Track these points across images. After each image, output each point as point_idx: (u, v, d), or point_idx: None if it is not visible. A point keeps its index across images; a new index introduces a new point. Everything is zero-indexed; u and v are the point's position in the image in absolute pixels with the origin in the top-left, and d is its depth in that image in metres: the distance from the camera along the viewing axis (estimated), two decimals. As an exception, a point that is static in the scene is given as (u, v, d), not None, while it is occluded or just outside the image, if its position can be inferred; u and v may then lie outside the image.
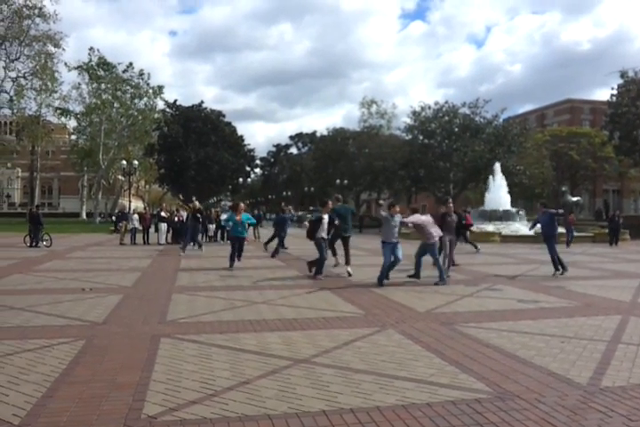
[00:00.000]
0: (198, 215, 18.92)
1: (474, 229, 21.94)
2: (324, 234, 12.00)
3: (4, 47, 44.22)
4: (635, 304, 8.62)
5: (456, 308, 8.22)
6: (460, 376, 4.76)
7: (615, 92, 42.88)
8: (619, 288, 10.32)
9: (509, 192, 33.54)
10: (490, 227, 28.21)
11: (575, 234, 27.81)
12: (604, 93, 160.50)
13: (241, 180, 69.20)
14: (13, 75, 44.97)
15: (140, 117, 51.60)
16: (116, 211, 32.79)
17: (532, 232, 16.07)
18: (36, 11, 43.17)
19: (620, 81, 42.33)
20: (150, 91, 52.02)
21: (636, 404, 4.09)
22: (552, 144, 54.74)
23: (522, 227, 27.90)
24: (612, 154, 49.42)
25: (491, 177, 34.40)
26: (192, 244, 19.16)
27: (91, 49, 50.14)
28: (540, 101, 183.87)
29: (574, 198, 42.60)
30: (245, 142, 68.28)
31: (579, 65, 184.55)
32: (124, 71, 51.44)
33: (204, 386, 4.45)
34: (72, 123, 54.31)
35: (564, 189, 45.27)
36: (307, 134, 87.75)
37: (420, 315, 7.59)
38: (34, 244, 20.70)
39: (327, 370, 4.92)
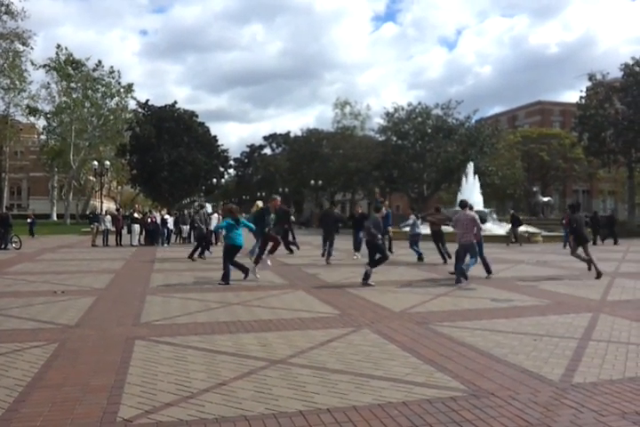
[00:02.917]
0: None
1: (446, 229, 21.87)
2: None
3: (-30, 45, 43.31)
4: (604, 302, 8.80)
5: (431, 307, 8.29)
6: (436, 375, 4.81)
7: (584, 94, 43.66)
8: (589, 286, 10.53)
9: (482, 193, 33.96)
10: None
11: (545, 233, 28.30)
12: (571, 95, 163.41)
13: (215, 180, 68.61)
14: (-20, 73, 44.09)
15: (111, 117, 51.04)
16: (88, 212, 32.19)
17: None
18: (3, 8, 42.35)
19: (589, 83, 43.14)
20: (121, 89, 51.45)
21: (607, 399, 4.17)
22: (523, 145, 55.57)
23: (494, 227, 28.26)
24: (582, 155, 50.33)
25: (464, 178, 34.79)
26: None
27: (58, 47, 49.41)
28: (508, 103, 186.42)
29: (545, 199, 43.30)
30: (219, 143, 67.84)
31: (547, 67, 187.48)
32: (94, 70, 50.78)
33: (180, 388, 4.42)
34: (41, 122, 53.48)
35: (535, 189, 45.93)
36: (280, 135, 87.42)
37: (395, 315, 7.64)
38: (2, 246, 20.31)
39: (303, 370, 4.92)
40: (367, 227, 10.97)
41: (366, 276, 10.67)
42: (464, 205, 11.55)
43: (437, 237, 15.33)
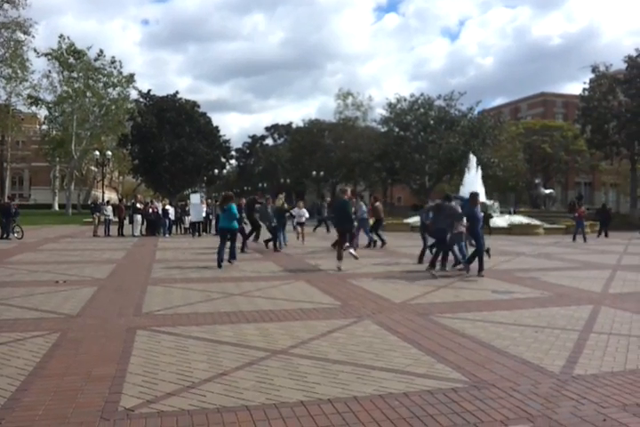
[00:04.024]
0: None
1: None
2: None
3: (-30, 34, 43.05)
4: (605, 294, 8.81)
5: (432, 299, 8.30)
6: (437, 366, 4.81)
7: (587, 86, 43.44)
8: (590, 279, 10.53)
9: (484, 184, 33.84)
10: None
11: (546, 226, 28.23)
12: (574, 87, 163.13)
13: (216, 171, 68.56)
14: (-19, 62, 43.85)
15: (113, 107, 50.77)
16: (90, 202, 32.07)
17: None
18: (5, -4, 42.07)
19: (592, 75, 42.90)
20: (123, 79, 51.26)
21: (608, 391, 4.18)
22: (526, 137, 55.35)
23: (496, 219, 28.20)
24: (584, 147, 50.16)
25: (466, 169, 34.67)
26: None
27: (61, 36, 49.15)
28: (510, 95, 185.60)
29: (547, 191, 43.16)
30: (220, 133, 67.66)
31: (550, 59, 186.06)
32: (96, 59, 50.56)
33: (182, 378, 4.43)
34: (43, 112, 53.27)
35: (537, 181, 45.72)
36: (282, 126, 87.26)
37: (397, 306, 7.64)
38: (5, 235, 20.33)
39: (305, 361, 4.93)
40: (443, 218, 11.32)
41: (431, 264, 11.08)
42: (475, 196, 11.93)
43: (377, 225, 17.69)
